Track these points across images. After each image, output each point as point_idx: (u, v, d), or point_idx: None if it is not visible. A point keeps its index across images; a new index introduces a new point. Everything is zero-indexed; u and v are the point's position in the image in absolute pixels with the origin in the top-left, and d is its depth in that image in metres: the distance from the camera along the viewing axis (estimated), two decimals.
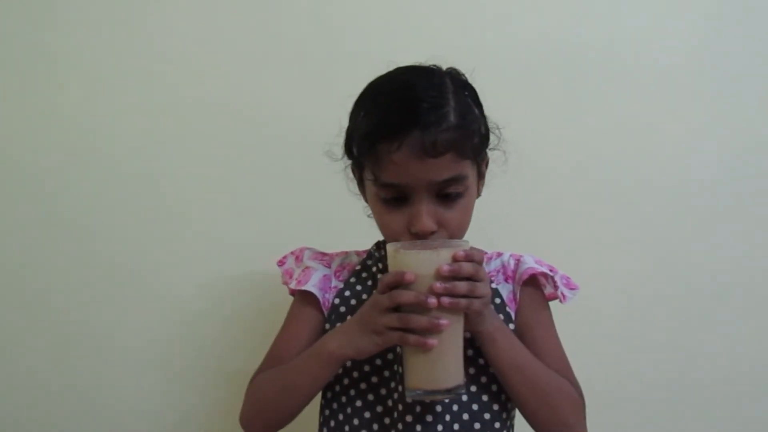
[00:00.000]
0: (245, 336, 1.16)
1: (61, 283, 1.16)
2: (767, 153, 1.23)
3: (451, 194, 0.77)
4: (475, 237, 0.89)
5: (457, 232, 0.79)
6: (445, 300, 0.70)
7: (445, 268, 0.71)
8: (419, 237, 0.76)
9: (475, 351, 0.81)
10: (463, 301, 0.71)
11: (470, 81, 0.83)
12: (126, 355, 1.17)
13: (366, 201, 0.86)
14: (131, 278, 1.17)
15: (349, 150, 0.83)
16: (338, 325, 0.83)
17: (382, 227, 0.82)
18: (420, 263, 0.72)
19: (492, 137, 0.84)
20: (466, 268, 0.72)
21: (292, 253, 0.95)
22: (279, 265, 0.95)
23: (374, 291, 0.81)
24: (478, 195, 0.85)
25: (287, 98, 1.17)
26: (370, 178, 0.78)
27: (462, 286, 0.71)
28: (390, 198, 0.78)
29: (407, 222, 0.77)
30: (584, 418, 0.81)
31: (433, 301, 0.70)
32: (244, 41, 1.18)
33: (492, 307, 0.79)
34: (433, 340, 0.70)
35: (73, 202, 1.16)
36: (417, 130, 0.73)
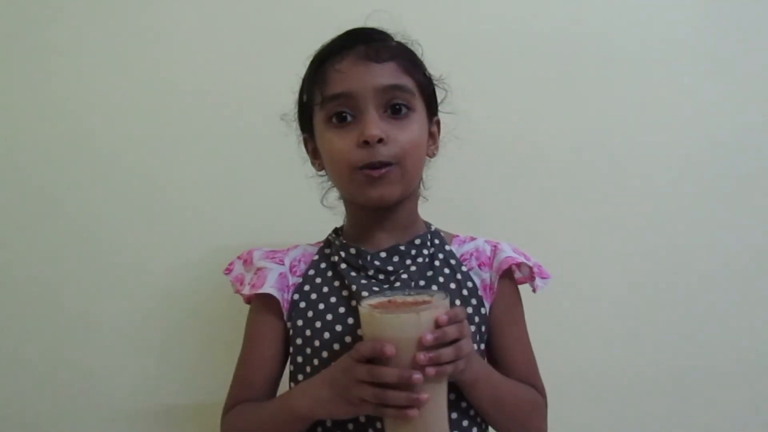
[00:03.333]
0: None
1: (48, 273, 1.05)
2: None
3: (399, 108, 0.76)
4: (470, 229, 0.89)
5: (405, 152, 0.75)
6: (431, 370, 0.64)
7: (429, 337, 0.64)
8: (367, 145, 0.73)
9: (467, 403, 0.77)
10: (449, 367, 0.66)
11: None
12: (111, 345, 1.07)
13: (318, 169, 0.84)
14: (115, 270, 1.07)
15: (300, 108, 0.82)
16: (306, 382, 0.74)
17: (333, 155, 0.77)
18: (400, 328, 0.65)
19: (440, 93, 0.84)
20: (452, 333, 0.65)
21: (239, 257, 0.85)
22: (226, 274, 0.84)
23: (339, 287, 0.78)
24: (432, 155, 0.84)
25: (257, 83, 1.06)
26: (318, 102, 0.77)
27: (448, 354, 0.65)
28: (338, 116, 0.76)
29: (357, 138, 0.74)
30: (546, 419, 0.83)
31: (419, 377, 0.64)
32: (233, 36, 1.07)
33: (475, 354, 0.73)
34: (413, 411, 0.65)
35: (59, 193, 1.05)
36: (361, 44, 0.77)
